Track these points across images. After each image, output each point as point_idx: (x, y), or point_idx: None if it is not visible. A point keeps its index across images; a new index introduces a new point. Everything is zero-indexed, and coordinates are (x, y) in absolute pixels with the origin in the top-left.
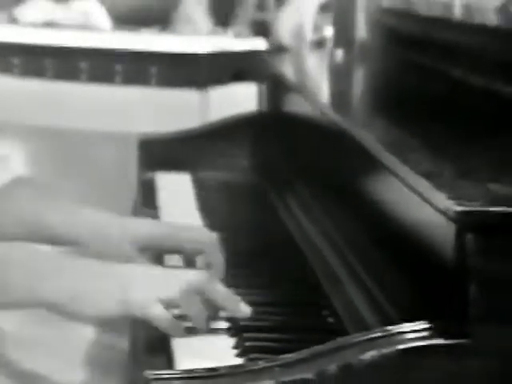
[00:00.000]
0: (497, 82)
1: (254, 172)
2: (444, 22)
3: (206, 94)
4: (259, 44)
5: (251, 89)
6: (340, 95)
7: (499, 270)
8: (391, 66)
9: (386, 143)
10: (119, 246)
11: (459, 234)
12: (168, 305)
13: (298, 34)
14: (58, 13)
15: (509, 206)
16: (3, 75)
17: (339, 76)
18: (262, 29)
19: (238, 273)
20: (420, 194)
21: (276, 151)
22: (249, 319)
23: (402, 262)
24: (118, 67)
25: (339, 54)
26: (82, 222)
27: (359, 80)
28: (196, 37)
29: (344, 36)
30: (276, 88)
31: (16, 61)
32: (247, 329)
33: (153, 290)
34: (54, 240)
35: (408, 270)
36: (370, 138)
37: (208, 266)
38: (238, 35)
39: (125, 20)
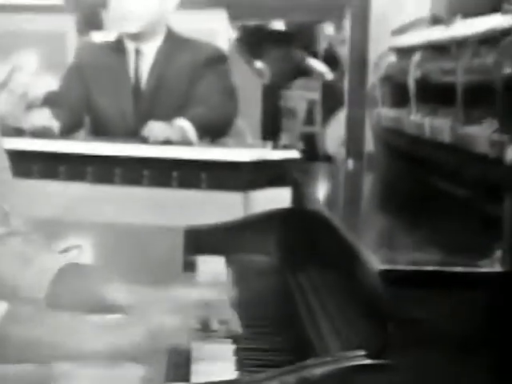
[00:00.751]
0: (452, 185)
1: (277, 255)
2: (419, 140)
3: (247, 195)
4: (293, 154)
5: (285, 192)
6: (348, 197)
7: (411, 311)
8: (389, 174)
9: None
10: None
11: (383, 286)
12: None
13: (341, 145)
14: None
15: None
16: (78, 182)
17: (349, 181)
18: (310, 140)
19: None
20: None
21: (296, 240)
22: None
23: (353, 308)
24: (175, 174)
25: (350, 163)
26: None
27: (366, 184)
28: (240, 148)
29: (354, 149)
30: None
31: (89, 169)
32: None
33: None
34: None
35: (358, 314)
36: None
37: (223, 323)
38: (288, 145)
39: None
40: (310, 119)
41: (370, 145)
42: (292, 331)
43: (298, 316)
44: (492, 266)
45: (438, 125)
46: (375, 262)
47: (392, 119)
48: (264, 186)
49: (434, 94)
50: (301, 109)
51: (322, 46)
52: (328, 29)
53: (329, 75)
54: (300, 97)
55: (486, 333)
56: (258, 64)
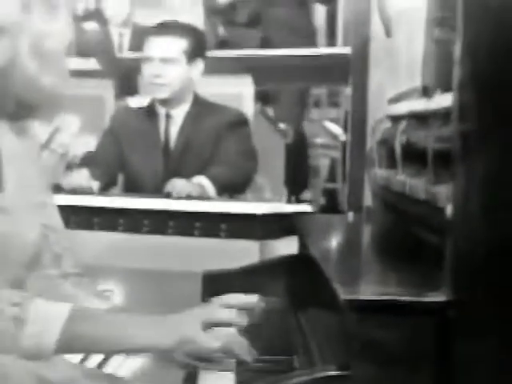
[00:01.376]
0: (427, 233)
1: (285, 297)
2: (403, 196)
3: (263, 244)
4: (305, 208)
5: (294, 241)
6: (344, 244)
7: (369, 333)
8: (381, 225)
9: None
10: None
11: (347, 312)
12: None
13: None
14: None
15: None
16: (111, 232)
17: (348, 231)
18: (332, 195)
19: None
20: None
21: (299, 283)
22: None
23: (330, 332)
24: (197, 224)
25: (351, 215)
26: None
27: (362, 234)
28: (257, 202)
29: (355, 203)
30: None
31: (121, 221)
32: None
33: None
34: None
35: (331, 336)
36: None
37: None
38: (310, 200)
39: None
40: (332, 176)
41: (368, 200)
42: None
43: (294, 345)
44: (437, 296)
45: (415, 184)
46: (342, 294)
47: (384, 178)
48: (278, 235)
49: (415, 158)
50: (323, 166)
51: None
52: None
53: (343, 137)
54: (322, 155)
55: (432, 352)
56: (282, 125)
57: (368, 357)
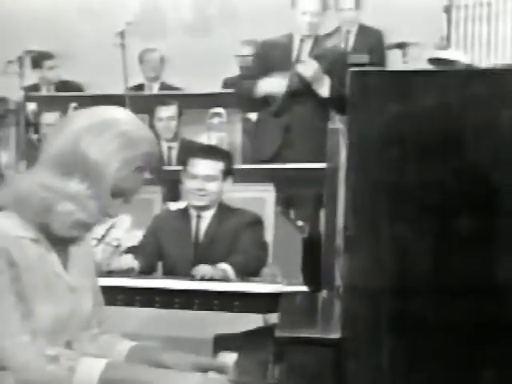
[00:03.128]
0: None
1: None
2: None
3: (267, 316)
4: (302, 288)
5: None
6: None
7: (292, 359)
8: None
9: None
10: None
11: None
12: None
13: None
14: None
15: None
16: (149, 308)
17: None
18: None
19: None
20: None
21: None
22: None
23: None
24: (216, 301)
25: (324, 293)
26: None
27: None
28: (263, 284)
29: (328, 282)
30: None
31: (157, 299)
32: None
33: None
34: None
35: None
36: None
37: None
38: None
39: None
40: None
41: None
42: None
43: None
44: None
45: None
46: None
47: None
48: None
49: None
50: None
51: None
52: None
53: None
54: None
55: (331, 368)
56: (299, 222)
57: (290, 371)
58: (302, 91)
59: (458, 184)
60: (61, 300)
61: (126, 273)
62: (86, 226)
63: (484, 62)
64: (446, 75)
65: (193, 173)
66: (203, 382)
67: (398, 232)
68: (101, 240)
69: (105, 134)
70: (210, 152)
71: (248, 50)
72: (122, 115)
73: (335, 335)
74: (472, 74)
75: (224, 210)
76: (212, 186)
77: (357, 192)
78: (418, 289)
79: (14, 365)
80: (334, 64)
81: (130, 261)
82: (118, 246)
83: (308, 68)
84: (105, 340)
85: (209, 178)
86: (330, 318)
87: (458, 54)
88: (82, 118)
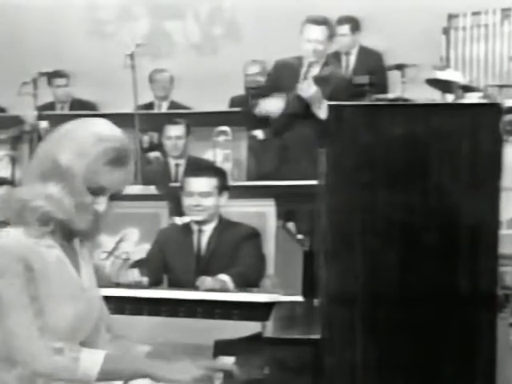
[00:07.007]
0: None
1: None
2: None
3: (265, 324)
4: (297, 298)
5: None
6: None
7: (281, 358)
8: None
9: None
10: None
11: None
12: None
13: None
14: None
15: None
16: (155, 316)
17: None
18: None
19: None
20: None
21: None
22: None
23: None
24: (217, 310)
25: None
26: None
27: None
28: (261, 294)
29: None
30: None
31: (163, 308)
32: None
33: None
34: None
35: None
36: None
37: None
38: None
39: None
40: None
41: None
42: None
43: None
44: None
45: None
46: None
47: None
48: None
49: None
50: None
51: None
52: None
53: None
54: None
55: (311, 364)
56: (299, 236)
57: (276, 366)
58: (300, 113)
59: (422, 203)
60: (78, 300)
61: (135, 286)
62: (61, 221)
63: (482, 81)
64: (412, 108)
65: (189, 190)
66: (199, 372)
67: (370, 246)
68: (111, 253)
69: (74, 136)
70: (203, 170)
71: (255, 69)
72: (94, 120)
73: (315, 336)
74: (435, 107)
75: (224, 224)
76: (207, 202)
77: (334, 210)
78: (386, 296)
79: (24, 358)
80: (334, 88)
81: (136, 275)
82: (126, 260)
83: (307, 90)
84: (122, 343)
85: (204, 195)
86: (312, 322)
87: (456, 75)
88: (58, 130)
